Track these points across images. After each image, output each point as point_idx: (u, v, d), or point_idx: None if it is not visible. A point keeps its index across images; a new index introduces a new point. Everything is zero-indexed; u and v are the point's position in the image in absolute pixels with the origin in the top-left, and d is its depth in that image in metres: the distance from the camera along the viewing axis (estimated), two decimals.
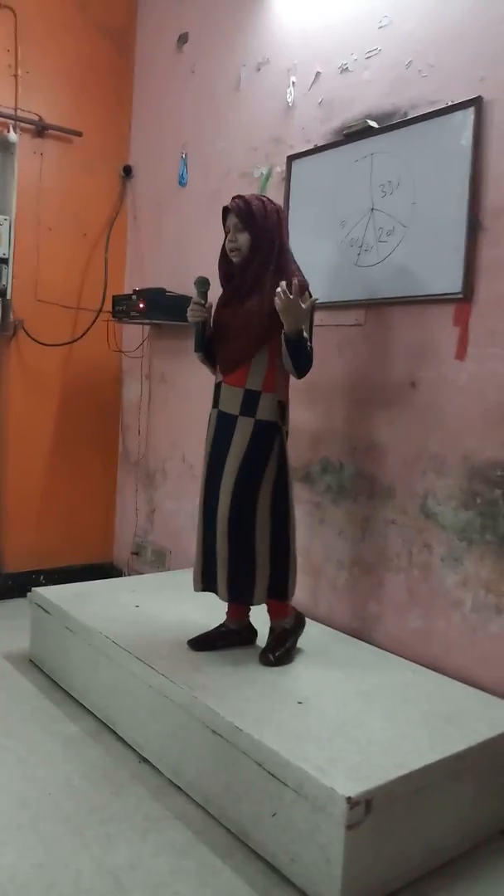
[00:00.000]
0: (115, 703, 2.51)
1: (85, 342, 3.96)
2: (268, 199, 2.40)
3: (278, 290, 2.17)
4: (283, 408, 2.40)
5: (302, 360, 2.29)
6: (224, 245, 2.41)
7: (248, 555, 2.35)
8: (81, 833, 1.98)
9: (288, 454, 2.42)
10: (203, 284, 2.43)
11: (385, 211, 2.63)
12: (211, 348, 2.47)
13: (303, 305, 2.18)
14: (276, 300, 2.18)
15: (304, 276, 2.36)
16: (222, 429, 2.40)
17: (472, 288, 2.36)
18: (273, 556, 2.39)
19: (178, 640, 2.51)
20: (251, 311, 2.32)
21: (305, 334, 2.25)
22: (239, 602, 2.44)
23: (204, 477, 2.45)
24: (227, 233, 2.39)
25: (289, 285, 2.17)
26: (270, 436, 2.36)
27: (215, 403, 2.46)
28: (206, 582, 2.45)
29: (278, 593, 2.43)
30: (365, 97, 2.73)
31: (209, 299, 2.45)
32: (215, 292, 2.46)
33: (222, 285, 2.45)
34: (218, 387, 2.45)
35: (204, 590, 2.46)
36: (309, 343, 2.29)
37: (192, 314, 2.43)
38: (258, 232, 2.33)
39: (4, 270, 3.73)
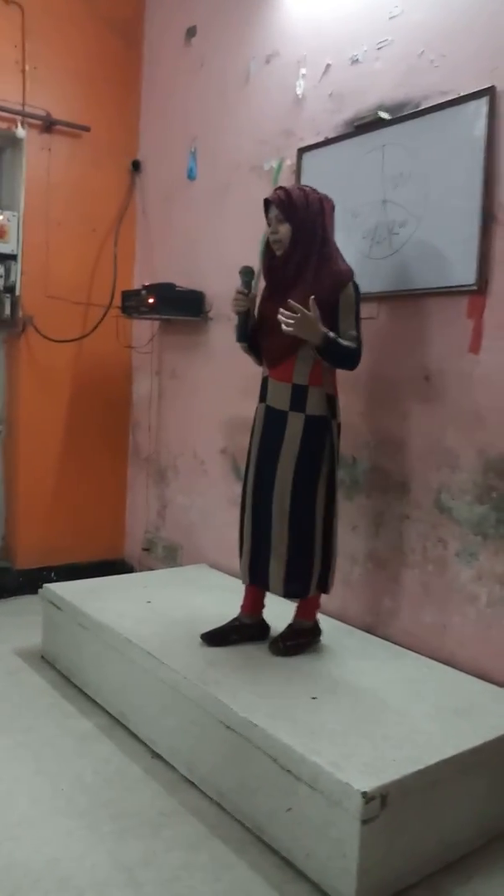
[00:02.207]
0: (128, 698, 2.51)
1: (94, 338, 3.96)
2: (311, 189, 2.38)
3: (280, 317, 2.18)
4: (332, 401, 2.39)
5: (341, 362, 2.32)
6: (268, 237, 2.40)
7: (307, 550, 2.36)
8: (95, 828, 1.98)
9: (338, 449, 2.41)
10: (247, 274, 2.41)
11: (397, 202, 2.61)
12: (256, 339, 2.46)
13: (310, 314, 2.18)
14: (284, 328, 2.18)
15: (348, 265, 2.35)
16: (273, 425, 2.39)
17: (486, 280, 2.34)
18: (322, 550, 2.41)
19: (190, 635, 2.51)
20: (296, 302, 2.28)
21: (331, 335, 2.24)
22: (294, 597, 2.43)
23: (253, 472, 2.43)
24: (269, 225, 2.39)
25: (310, 305, 2.21)
26: (321, 431, 2.36)
27: (262, 398, 2.45)
28: (253, 575, 2.44)
29: (320, 586, 2.44)
30: (376, 88, 2.70)
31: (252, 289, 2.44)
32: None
33: (265, 277, 2.44)
34: (265, 381, 2.45)
35: (252, 583, 2.46)
36: (355, 339, 2.30)
37: (236, 304, 2.41)
38: (299, 223, 2.32)
39: (13, 266, 3.73)
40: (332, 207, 2.40)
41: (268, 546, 2.38)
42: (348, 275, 2.33)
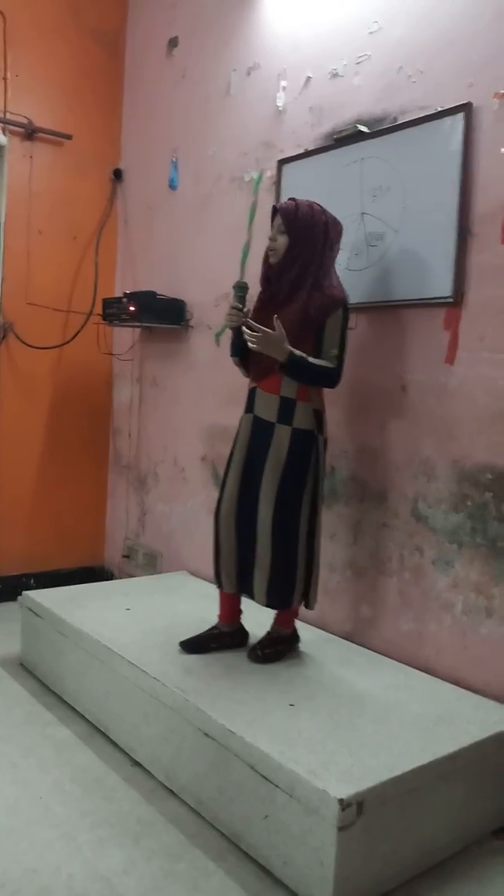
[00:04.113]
0: (107, 706, 2.50)
1: (75, 345, 3.96)
2: (322, 209, 2.38)
3: (244, 330, 2.25)
4: (319, 416, 2.41)
5: (310, 380, 2.34)
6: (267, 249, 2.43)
7: (290, 562, 2.37)
8: (74, 837, 1.97)
9: (323, 464, 2.43)
10: (241, 289, 2.42)
11: (375, 215, 2.65)
12: (246, 351, 2.47)
13: (273, 333, 2.23)
14: (250, 345, 2.26)
15: (342, 291, 2.37)
16: (259, 435, 2.40)
17: (462, 292, 2.38)
18: (305, 563, 2.42)
19: (169, 643, 2.51)
20: (285, 318, 2.30)
21: (298, 354, 2.27)
22: (277, 607, 2.44)
23: (237, 481, 2.43)
24: (271, 230, 2.41)
25: (304, 324, 2.27)
26: (308, 445, 2.37)
27: (249, 408, 2.45)
28: (240, 584, 2.46)
29: (303, 599, 2.45)
30: (355, 102, 2.74)
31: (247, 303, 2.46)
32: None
33: (261, 286, 2.46)
34: (252, 391, 2.46)
35: (238, 592, 2.48)
36: (335, 358, 2.32)
37: (229, 318, 2.41)
38: (298, 237, 2.33)
39: None
40: (339, 234, 2.42)
41: (252, 555, 2.40)
42: (341, 300, 2.33)
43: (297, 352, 2.27)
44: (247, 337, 2.26)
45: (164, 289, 3.62)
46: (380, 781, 1.77)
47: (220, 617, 2.56)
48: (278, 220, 2.37)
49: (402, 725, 2.05)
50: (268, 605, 2.41)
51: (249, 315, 2.45)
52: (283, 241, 2.35)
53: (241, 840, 1.96)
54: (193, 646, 2.48)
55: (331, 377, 2.35)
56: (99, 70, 4.00)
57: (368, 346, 2.68)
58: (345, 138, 2.74)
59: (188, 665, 2.37)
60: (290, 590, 2.38)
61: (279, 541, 2.35)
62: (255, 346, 2.26)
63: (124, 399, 4.09)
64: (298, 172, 2.96)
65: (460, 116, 2.36)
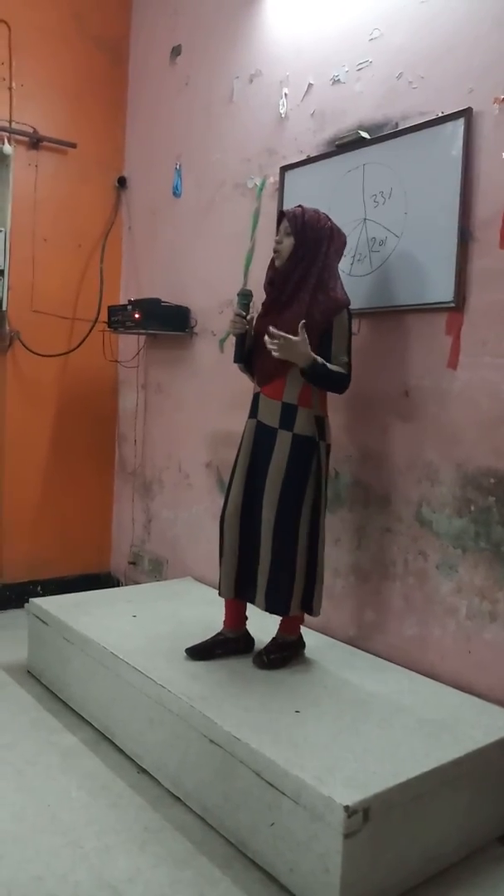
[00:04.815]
0: (113, 713, 2.51)
1: (81, 352, 3.98)
2: (327, 216, 2.42)
3: (266, 338, 2.23)
4: (321, 423, 2.41)
5: (327, 385, 2.35)
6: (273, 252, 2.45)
7: (288, 568, 2.37)
8: (80, 845, 1.98)
9: (326, 470, 2.43)
10: (245, 296, 2.45)
11: (377, 221, 2.65)
12: (251, 357, 2.49)
13: (296, 339, 2.21)
14: (272, 350, 2.23)
15: (345, 295, 2.38)
16: (262, 440, 2.41)
17: (464, 297, 2.38)
18: (305, 569, 2.42)
19: (175, 650, 2.52)
20: (288, 324, 2.30)
21: (319, 360, 2.27)
22: (276, 613, 2.44)
23: (241, 486, 2.45)
24: (276, 234, 2.44)
25: (309, 327, 2.25)
26: (309, 451, 2.37)
27: (253, 413, 2.47)
28: (238, 589, 2.46)
29: (305, 607, 2.45)
30: (357, 108, 2.75)
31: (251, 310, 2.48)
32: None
33: (265, 290, 2.47)
34: (256, 397, 2.47)
35: (236, 597, 2.48)
36: (345, 365, 2.34)
37: (233, 326, 2.45)
38: (303, 241, 2.35)
39: (0, 282, 3.74)
40: (343, 243, 2.44)
41: (255, 560, 2.40)
42: (344, 303, 2.35)
43: (319, 358, 2.28)
44: (269, 345, 2.24)
45: (169, 295, 3.63)
46: (385, 788, 1.77)
47: (226, 623, 2.57)
48: (284, 223, 2.40)
49: (407, 731, 2.05)
50: (266, 610, 2.42)
51: (253, 322, 2.47)
52: (288, 243, 2.38)
53: (247, 847, 1.96)
54: (199, 652, 2.49)
55: (344, 384, 2.36)
56: (103, 78, 4.02)
57: (371, 351, 2.69)
58: (346, 144, 2.75)
59: (194, 671, 2.38)
60: (288, 595, 2.38)
61: (278, 546, 2.36)
62: (277, 353, 2.23)
63: (129, 406, 4.10)
64: (301, 179, 2.97)
65: (461, 122, 2.36)
